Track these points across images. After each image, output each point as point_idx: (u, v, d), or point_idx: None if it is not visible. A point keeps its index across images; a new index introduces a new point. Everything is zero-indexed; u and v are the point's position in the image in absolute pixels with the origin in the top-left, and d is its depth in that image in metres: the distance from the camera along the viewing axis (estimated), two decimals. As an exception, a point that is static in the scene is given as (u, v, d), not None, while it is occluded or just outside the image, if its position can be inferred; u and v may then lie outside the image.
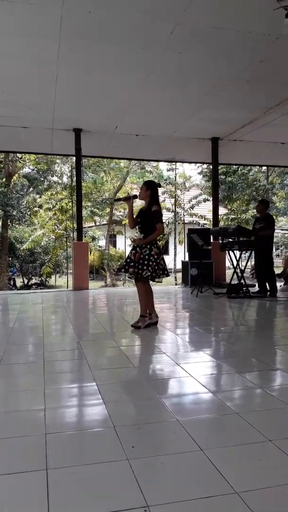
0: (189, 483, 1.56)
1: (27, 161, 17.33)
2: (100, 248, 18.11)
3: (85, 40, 4.92)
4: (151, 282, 4.52)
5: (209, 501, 1.45)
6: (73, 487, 1.55)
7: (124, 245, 18.19)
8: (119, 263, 19.86)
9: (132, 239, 4.67)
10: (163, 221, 4.42)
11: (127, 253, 4.55)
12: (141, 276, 4.33)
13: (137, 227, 4.58)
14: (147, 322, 4.47)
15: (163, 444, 1.89)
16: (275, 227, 7.58)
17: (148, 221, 4.40)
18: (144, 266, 4.29)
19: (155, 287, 5.31)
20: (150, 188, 4.48)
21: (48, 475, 1.61)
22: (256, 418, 2.11)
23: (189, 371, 2.94)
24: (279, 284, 7.95)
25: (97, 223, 19.76)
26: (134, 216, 4.54)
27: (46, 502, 1.44)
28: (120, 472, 1.63)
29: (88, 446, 1.88)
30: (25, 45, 5.05)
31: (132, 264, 4.36)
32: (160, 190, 18.30)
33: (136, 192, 4.46)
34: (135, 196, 4.63)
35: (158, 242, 4.47)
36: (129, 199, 4.59)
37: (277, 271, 8.02)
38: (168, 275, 4.59)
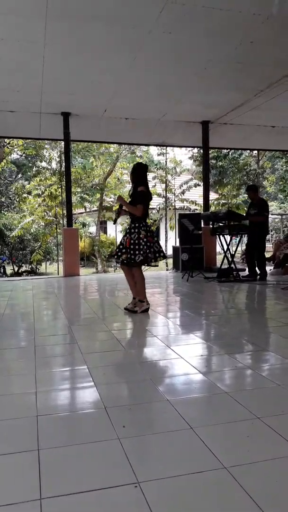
0: (178, 460, 1.58)
1: (15, 146, 17.04)
2: (90, 235, 17.99)
3: (73, 20, 4.80)
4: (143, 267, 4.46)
5: (198, 476, 1.47)
6: (64, 466, 1.56)
7: (115, 231, 18.09)
8: (110, 250, 19.82)
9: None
10: (144, 202, 4.30)
11: (119, 239, 4.40)
12: (134, 262, 4.25)
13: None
14: (145, 307, 4.41)
15: (154, 424, 1.91)
16: (269, 212, 7.60)
17: (134, 202, 4.35)
18: (136, 251, 4.22)
19: (146, 272, 5.32)
20: (137, 170, 4.45)
21: (39, 455, 1.62)
22: (245, 397, 2.15)
23: (180, 353, 2.96)
24: (269, 268, 8.02)
25: (87, 209, 19.59)
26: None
27: (38, 481, 1.45)
28: (111, 451, 1.65)
29: (79, 427, 1.89)
30: (10, 26, 4.91)
31: (124, 250, 4.30)
32: (150, 175, 18.13)
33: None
34: (120, 206, 4.47)
35: (147, 225, 4.38)
36: (120, 213, 4.52)
37: (267, 255, 8.08)
38: (164, 257, 4.45)
